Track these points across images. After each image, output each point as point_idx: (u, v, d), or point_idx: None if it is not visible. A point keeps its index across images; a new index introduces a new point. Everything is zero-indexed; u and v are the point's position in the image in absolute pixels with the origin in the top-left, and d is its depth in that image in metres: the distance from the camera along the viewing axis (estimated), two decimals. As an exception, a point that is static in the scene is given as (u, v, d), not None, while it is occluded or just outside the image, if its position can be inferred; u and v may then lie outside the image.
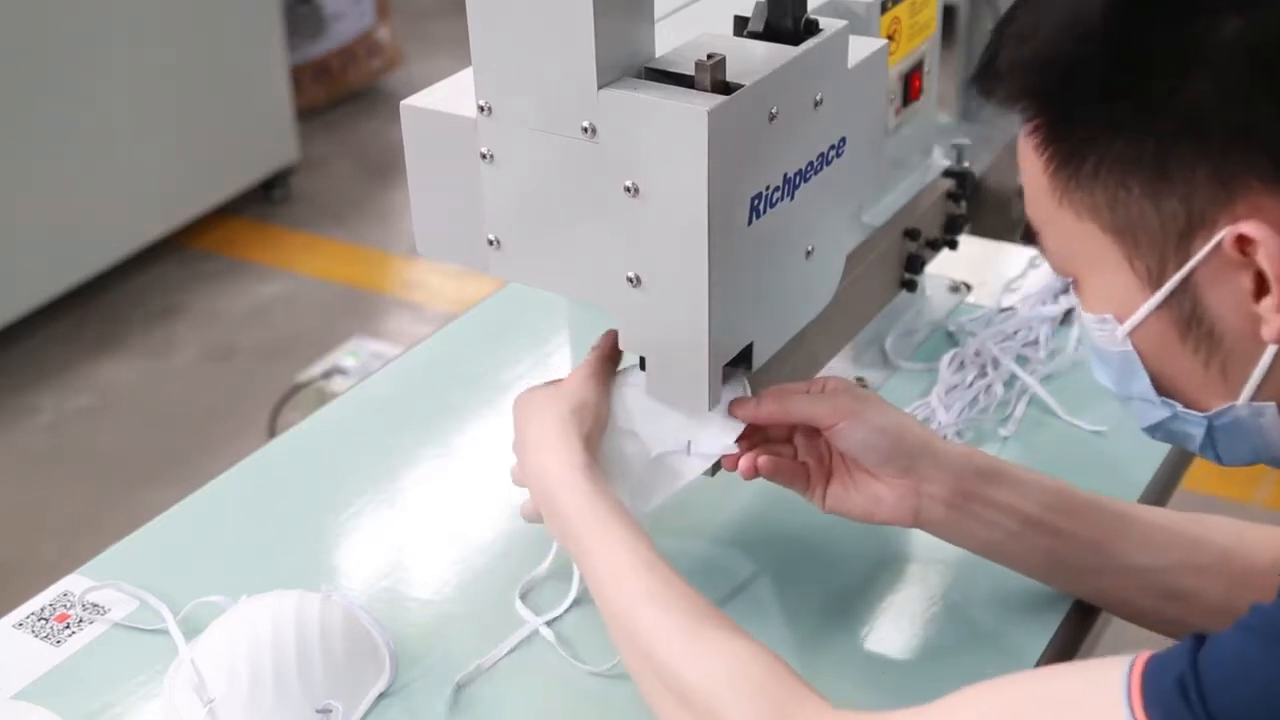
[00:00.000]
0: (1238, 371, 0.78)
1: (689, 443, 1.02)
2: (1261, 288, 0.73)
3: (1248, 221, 0.72)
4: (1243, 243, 0.73)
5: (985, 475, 1.01)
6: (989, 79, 0.82)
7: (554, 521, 0.97)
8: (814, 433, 1.03)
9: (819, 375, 1.16)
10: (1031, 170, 0.81)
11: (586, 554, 0.94)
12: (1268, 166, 0.72)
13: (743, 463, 1.02)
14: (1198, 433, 0.82)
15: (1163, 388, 0.82)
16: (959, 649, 1.06)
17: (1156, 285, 0.77)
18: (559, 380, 1.04)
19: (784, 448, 1.06)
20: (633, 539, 0.92)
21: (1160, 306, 0.78)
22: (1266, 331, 0.74)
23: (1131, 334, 0.80)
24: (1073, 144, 0.78)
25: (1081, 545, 1.02)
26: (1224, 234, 0.73)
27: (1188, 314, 0.77)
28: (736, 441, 1.02)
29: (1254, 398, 0.78)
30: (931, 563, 1.14)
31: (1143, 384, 0.82)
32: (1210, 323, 0.77)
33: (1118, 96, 0.75)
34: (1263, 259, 0.72)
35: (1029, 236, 0.85)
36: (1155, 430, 0.86)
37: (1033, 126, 0.80)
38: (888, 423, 1.00)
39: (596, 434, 1.01)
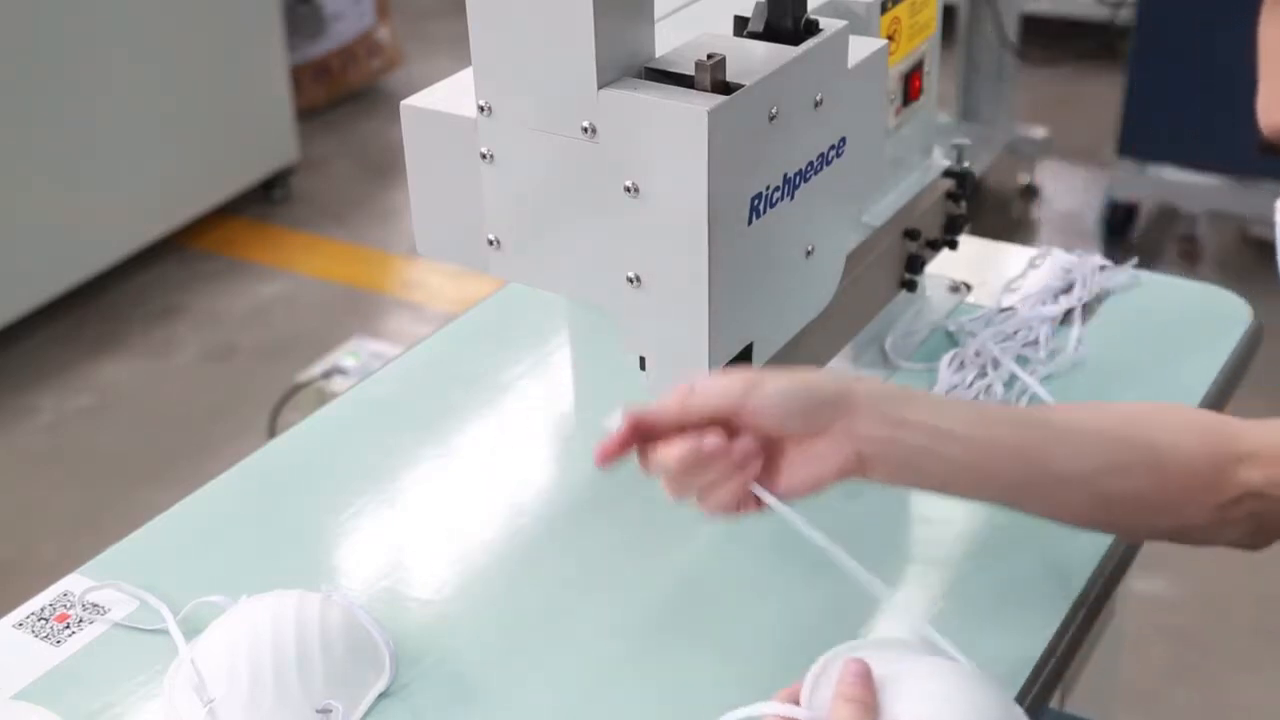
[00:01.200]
0: None
1: None
2: None
3: None
4: None
5: (903, 398, 0.96)
6: None
7: None
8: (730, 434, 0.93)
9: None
10: None
11: None
12: None
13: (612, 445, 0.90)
14: None
15: None
16: (957, 650, 1.06)
17: None
18: None
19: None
20: None
21: None
22: None
23: None
24: None
25: (1006, 454, 0.97)
26: None
27: None
28: None
29: None
30: (931, 563, 1.14)
31: None
32: None
33: None
34: None
35: (1273, 148, 0.79)
36: None
37: None
38: (792, 382, 0.93)
39: None
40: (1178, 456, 1.00)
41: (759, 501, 0.93)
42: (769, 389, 0.91)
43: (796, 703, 0.85)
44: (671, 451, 0.89)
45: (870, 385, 0.96)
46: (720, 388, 0.90)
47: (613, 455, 0.90)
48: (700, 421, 0.90)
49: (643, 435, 0.90)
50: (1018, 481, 0.99)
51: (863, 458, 0.94)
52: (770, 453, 0.94)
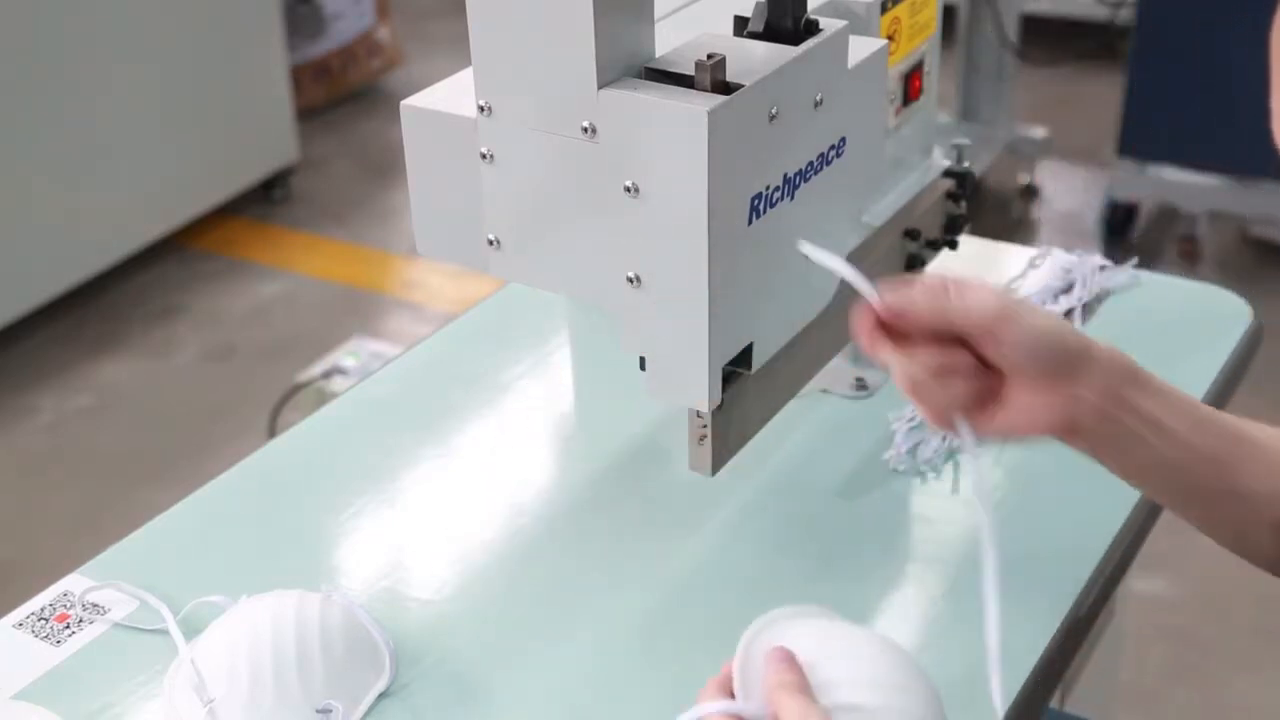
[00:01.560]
0: None
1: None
2: None
3: None
4: None
5: (1131, 377, 0.94)
6: None
7: None
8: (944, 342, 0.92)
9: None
10: None
11: None
12: None
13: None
14: None
15: None
16: (957, 651, 1.06)
17: None
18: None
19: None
20: None
21: None
22: None
23: None
24: None
25: (1201, 459, 0.95)
26: None
27: None
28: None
29: None
30: (931, 563, 1.14)
31: None
32: None
33: None
34: None
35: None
36: None
37: None
38: (1048, 323, 0.91)
39: None
40: None
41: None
42: (1025, 324, 0.90)
43: (729, 693, 0.86)
44: (929, 360, 0.90)
45: (1109, 354, 0.93)
46: (980, 305, 0.89)
47: (868, 335, 0.91)
48: (950, 331, 0.90)
49: (892, 323, 0.90)
50: (1207, 493, 0.96)
51: (1075, 425, 0.92)
52: (992, 383, 0.92)
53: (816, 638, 0.88)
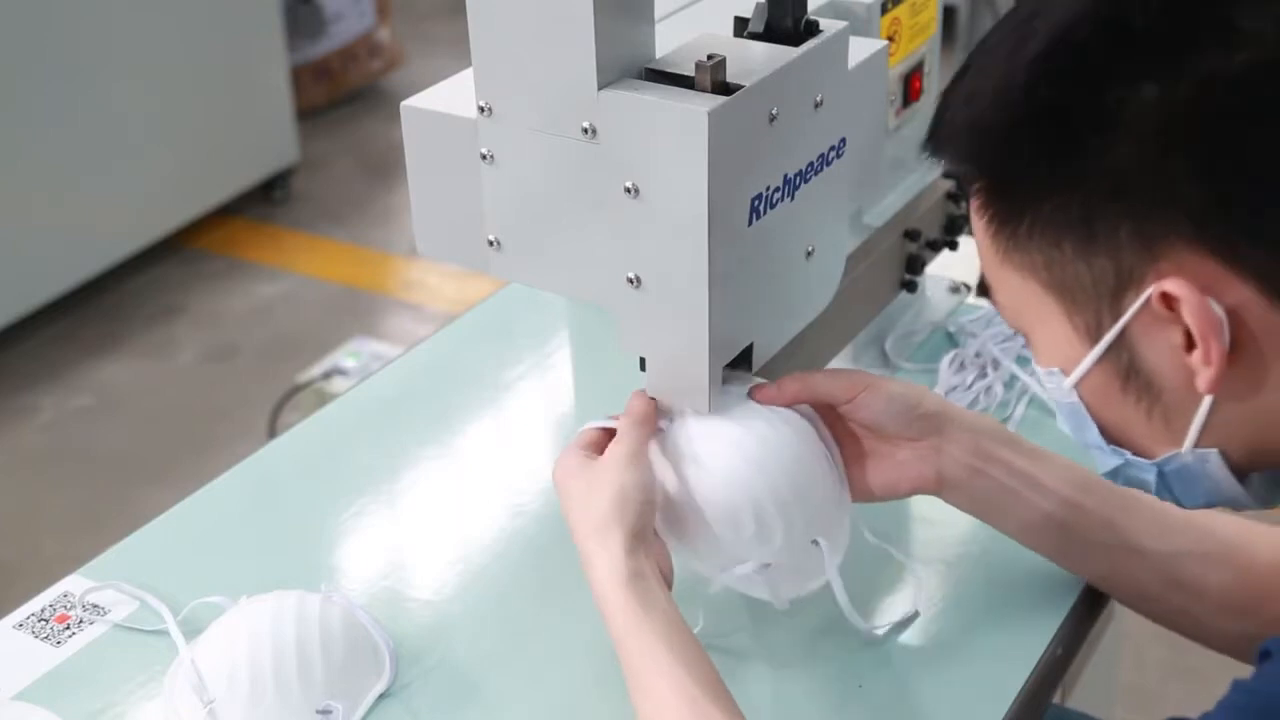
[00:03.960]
0: (1179, 420, 0.80)
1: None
2: (1191, 342, 0.75)
3: (1171, 279, 0.73)
4: (1168, 300, 0.74)
5: (1002, 439, 1.04)
6: (937, 141, 0.84)
7: (605, 621, 0.94)
8: (829, 418, 1.05)
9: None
10: (979, 231, 0.83)
11: (631, 672, 0.91)
12: (1188, 226, 0.73)
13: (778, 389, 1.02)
14: (1150, 478, 0.85)
15: (1112, 436, 0.85)
16: (957, 651, 1.06)
17: (1095, 340, 0.79)
18: (596, 455, 0.99)
19: None
20: (677, 666, 0.89)
21: (1100, 360, 0.80)
22: (1200, 383, 0.75)
23: (1077, 386, 0.83)
24: (1010, 206, 0.80)
25: (1094, 521, 1.03)
26: (1150, 291, 0.75)
27: (1126, 367, 0.79)
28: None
29: (1197, 444, 0.80)
30: (931, 563, 1.14)
31: (1093, 433, 0.85)
32: (1148, 375, 0.79)
33: (1044, 160, 0.76)
34: (1187, 315, 0.73)
35: (985, 290, 0.87)
36: (1114, 476, 0.88)
37: (976, 189, 0.82)
38: (905, 389, 1.03)
39: (647, 519, 0.96)
40: (1258, 557, 1.01)
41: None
42: (884, 390, 1.02)
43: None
44: None
45: (976, 417, 1.05)
46: (846, 382, 1.03)
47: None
48: (818, 399, 1.03)
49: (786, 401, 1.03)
50: (1102, 550, 1.04)
51: (943, 479, 1.03)
52: (860, 451, 1.05)
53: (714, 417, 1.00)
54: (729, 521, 0.98)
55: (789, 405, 1.02)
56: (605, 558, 0.93)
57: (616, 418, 1.00)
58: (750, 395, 1.01)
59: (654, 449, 1.00)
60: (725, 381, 1.01)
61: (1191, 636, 1.05)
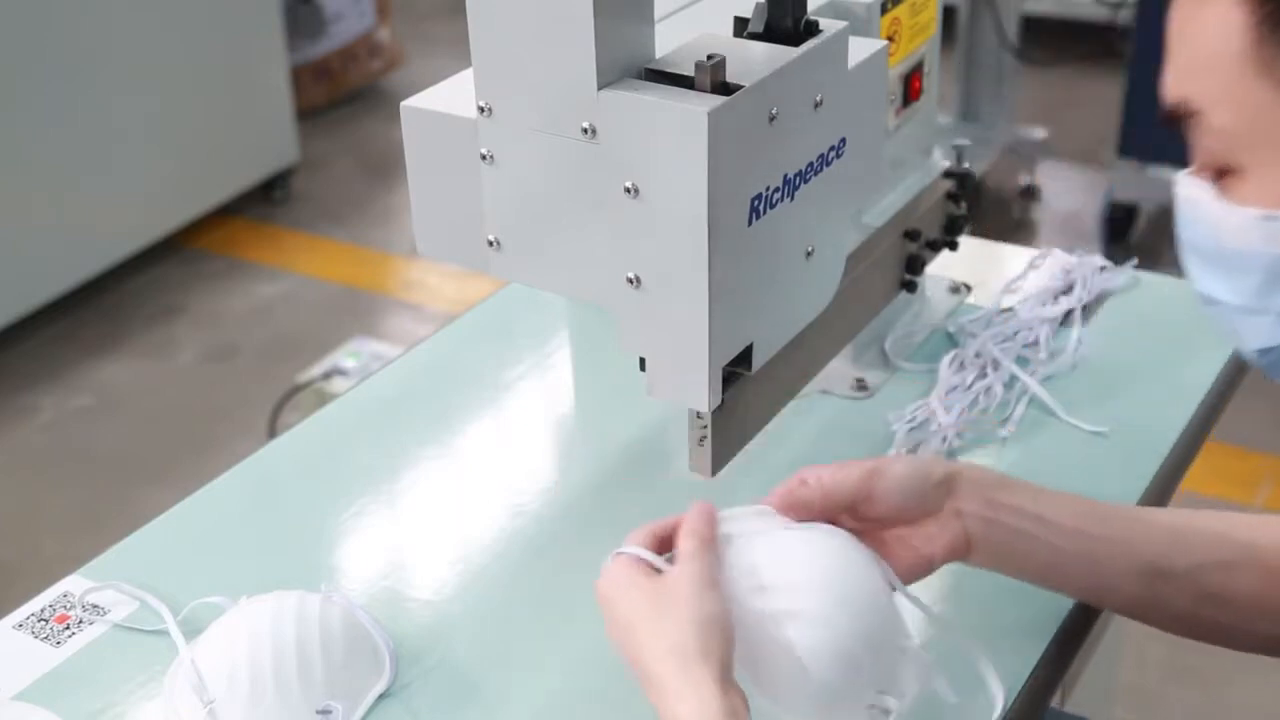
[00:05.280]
0: None
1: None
2: None
3: None
4: None
5: (1004, 485, 1.01)
6: None
7: None
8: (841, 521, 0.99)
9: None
10: (1219, 33, 0.72)
11: None
12: None
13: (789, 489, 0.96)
14: None
15: None
16: (957, 651, 1.06)
17: None
18: (655, 573, 0.89)
19: None
20: None
21: None
22: None
23: None
24: None
25: (1112, 548, 0.99)
26: None
27: None
28: None
29: None
30: (931, 563, 1.14)
31: None
32: None
33: None
34: None
35: (1172, 120, 0.77)
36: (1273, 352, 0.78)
37: None
38: (910, 466, 0.99)
39: (729, 651, 0.85)
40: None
41: None
42: (891, 474, 0.97)
43: (666, 538, 0.92)
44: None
45: (975, 469, 1.02)
46: (845, 475, 0.96)
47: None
48: (834, 508, 0.97)
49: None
50: (1123, 578, 1.00)
51: (970, 539, 0.99)
52: (879, 533, 0.99)
53: (771, 529, 0.94)
54: (837, 664, 0.88)
55: (812, 512, 0.96)
56: (694, 693, 0.82)
57: (656, 528, 0.93)
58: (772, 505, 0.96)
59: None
60: (736, 519, 0.95)
61: (1233, 646, 1.02)
